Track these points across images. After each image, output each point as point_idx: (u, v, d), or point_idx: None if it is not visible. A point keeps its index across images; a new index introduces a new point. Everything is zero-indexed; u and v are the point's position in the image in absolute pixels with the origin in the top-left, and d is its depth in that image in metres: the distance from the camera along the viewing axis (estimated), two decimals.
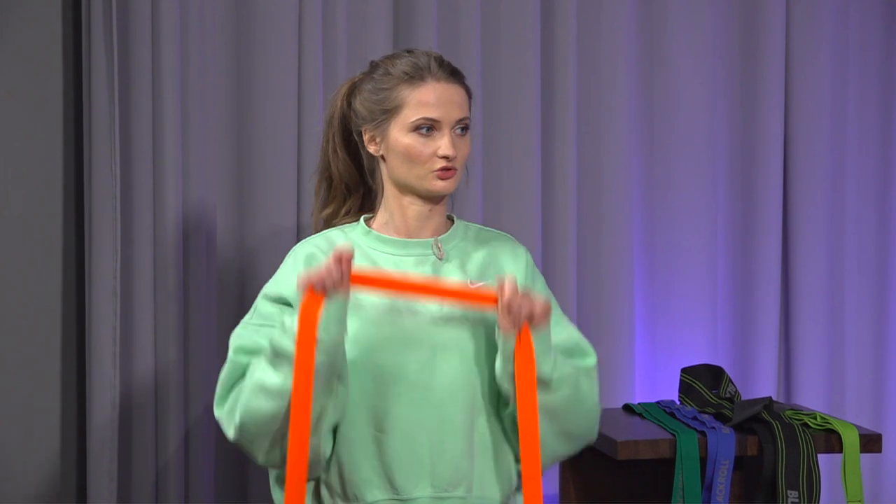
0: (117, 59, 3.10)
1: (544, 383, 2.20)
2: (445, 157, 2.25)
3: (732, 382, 3.26)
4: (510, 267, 2.34)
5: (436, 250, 2.31)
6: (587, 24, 3.51)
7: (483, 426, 2.25)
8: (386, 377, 2.22)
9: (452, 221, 2.38)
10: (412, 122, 2.25)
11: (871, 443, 3.00)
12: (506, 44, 3.43)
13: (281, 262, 3.28)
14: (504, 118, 3.44)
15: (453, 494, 2.23)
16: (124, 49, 3.13)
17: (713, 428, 2.97)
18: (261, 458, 2.21)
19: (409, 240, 2.31)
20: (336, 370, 2.15)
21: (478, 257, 2.33)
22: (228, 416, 2.22)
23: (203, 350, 3.23)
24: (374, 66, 2.34)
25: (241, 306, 3.30)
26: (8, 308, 3.18)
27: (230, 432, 2.21)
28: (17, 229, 3.19)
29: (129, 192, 3.15)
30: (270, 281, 2.32)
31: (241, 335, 2.27)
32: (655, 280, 3.60)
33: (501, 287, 2.18)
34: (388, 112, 2.27)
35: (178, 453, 3.18)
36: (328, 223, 2.40)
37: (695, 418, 3.06)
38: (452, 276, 2.29)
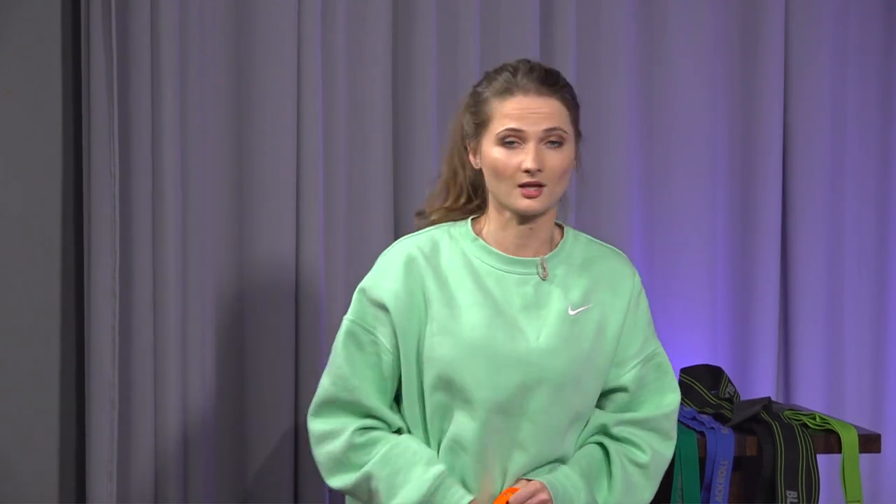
0: (116, 59, 3.10)
1: None
2: (527, 171, 2.21)
3: (731, 383, 3.26)
4: (615, 298, 2.32)
5: (540, 270, 2.29)
6: (586, 24, 3.51)
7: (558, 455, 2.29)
8: (473, 401, 2.22)
9: (562, 231, 2.35)
10: (498, 135, 2.23)
11: (869, 443, 3.00)
12: (505, 44, 3.43)
13: (277, 261, 3.30)
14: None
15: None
16: (123, 49, 3.13)
17: (712, 428, 2.97)
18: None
19: (515, 257, 2.28)
20: None
21: (582, 282, 2.30)
22: (334, 460, 2.27)
23: (202, 349, 3.23)
24: (482, 77, 2.34)
25: (241, 304, 3.30)
26: (7, 308, 3.18)
27: (331, 482, 2.27)
28: (16, 229, 3.18)
29: (128, 192, 3.15)
30: (370, 276, 2.31)
31: (343, 356, 2.29)
32: (654, 280, 3.60)
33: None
34: (481, 125, 2.26)
35: (177, 453, 3.18)
36: (448, 213, 2.37)
37: (694, 419, 3.06)
38: (554, 300, 2.27)
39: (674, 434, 2.35)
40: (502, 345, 2.23)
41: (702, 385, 3.25)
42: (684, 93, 3.58)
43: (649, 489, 2.33)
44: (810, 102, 3.64)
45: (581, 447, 2.31)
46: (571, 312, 2.27)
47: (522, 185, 2.22)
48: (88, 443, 3.13)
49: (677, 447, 2.89)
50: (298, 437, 3.30)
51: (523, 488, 2.22)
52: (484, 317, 2.24)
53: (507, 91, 2.24)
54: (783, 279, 3.67)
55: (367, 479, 2.24)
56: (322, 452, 2.28)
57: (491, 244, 2.29)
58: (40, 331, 3.20)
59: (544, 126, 2.22)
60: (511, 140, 2.22)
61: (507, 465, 2.24)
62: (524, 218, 2.27)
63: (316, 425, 2.29)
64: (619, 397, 2.34)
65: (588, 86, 3.51)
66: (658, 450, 2.33)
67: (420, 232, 2.34)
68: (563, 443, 2.27)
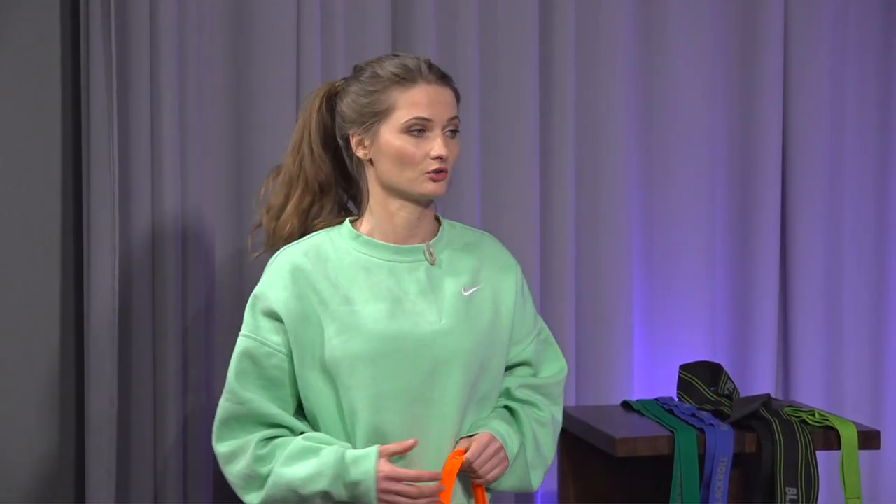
0: (115, 58, 3.10)
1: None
2: (439, 158, 2.24)
3: (731, 379, 3.27)
4: (502, 278, 2.36)
5: (427, 256, 2.31)
6: (585, 25, 3.51)
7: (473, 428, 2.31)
8: (388, 392, 2.23)
9: (439, 222, 2.38)
10: (404, 123, 2.24)
11: (869, 439, 3.00)
12: (504, 45, 3.43)
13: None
14: (502, 119, 3.44)
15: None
16: (122, 48, 3.13)
17: (712, 425, 2.97)
18: None
19: (402, 246, 2.30)
20: None
21: (468, 264, 2.34)
22: (249, 483, 2.26)
23: (201, 348, 3.23)
24: (358, 69, 2.33)
25: (240, 303, 3.29)
26: (7, 306, 3.18)
27: (246, 497, 2.26)
28: (16, 228, 3.19)
29: (127, 191, 3.15)
30: (259, 287, 2.32)
31: (234, 372, 2.29)
32: (654, 278, 3.60)
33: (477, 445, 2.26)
34: (379, 114, 2.26)
35: (176, 452, 3.19)
36: (305, 222, 2.38)
37: (693, 415, 3.06)
38: (446, 283, 2.30)
39: (561, 400, 2.44)
40: (408, 332, 2.25)
41: (701, 382, 3.25)
42: (683, 92, 3.58)
43: (551, 447, 2.40)
44: (810, 102, 3.64)
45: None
46: (465, 293, 2.30)
47: (433, 171, 2.25)
48: (87, 440, 3.13)
49: (677, 443, 2.90)
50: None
51: (475, 442, 2.25)
52: (383, 309, 2.25)
53: (409, 80, 2.25)
54: (782, 277, 3.68)
55: (277, 482, 2.23)
56: (232, 473, 2.27)
57: (376, 238, 2.31)
58: (40, 328, 3.20)
59: (448, 115, 2.27)
60: (419, 128, 2.24)
61: (434, 452, 2.26)
62: (418, 204, 2.30)
63: (220, 448, 2.28)
64: (522, 371, 2.41)
65: (587, 86, 3.52)
66: (553, 412, 2.41)
67: (301, 240, 2.35)
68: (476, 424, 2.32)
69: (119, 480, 3.14)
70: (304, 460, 2.22)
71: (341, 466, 2.19)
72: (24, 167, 3.18)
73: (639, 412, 3.18)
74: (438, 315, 2.27)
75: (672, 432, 2.95)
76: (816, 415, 3.05)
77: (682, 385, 3.27)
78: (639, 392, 3.54)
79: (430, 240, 2.33)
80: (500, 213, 3.43)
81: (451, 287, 2.30)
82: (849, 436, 2.97)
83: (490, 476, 2.27)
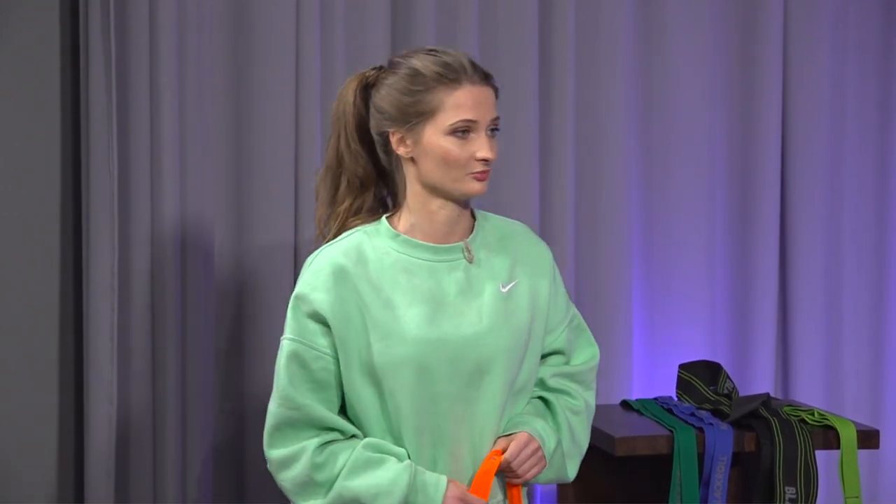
0: (115, 57, 3.10)
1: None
2: (484, 160, 2.24)
3: (730, 379, 3.27)
4: (537, 270, 2.35)
5: (466, 254, 2.30)
6: (585, 24, 3.51)
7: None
8: (432, 395, 2.23)
9: (473, 216, 2.37)
10: (450, 125, 2.22)
11: (868, 439, 3.00)
12: (503, 45, 3.43)
13: (276, 259, 3.30)
14: (502, 118, 3.43)
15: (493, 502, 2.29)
16: (122, 47, 3.13)
17: (711, 424, 2.97)
18: None
19: (441, 245, 2.28)
20: None
21: (504, 260, 2.32)
22: (300, 484, 2.24)
23: (201, 347, 3.23)
24: (395, 63, 2.29)
25: (239, 302, 3.30)
26: (6, 305, 3.18)
27: (302, 502, 2.24)
28: (15, 228, 3.19)
29: (126, 190, 3.15)
30: (300, 287, 2.27)
31: (285, 377, 2.26)
32: (653, 277, 3.60)
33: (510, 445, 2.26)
34: (423, 115, 2.23)
35: (175, 452, 3.18)
36: (345, 219, 2.34)
37: (692, 414, 3.06)
38: (485, 281, 2.29)
39: (595, 385, 2.43)
40: (450, 336, 2.24)
41: (700, 381, 3.25)
42: (683, 92, 3.58)
43: (586, 435, 2.40)
44: (809, 101, 3.64)
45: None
46: (503, 290, 2.29)
47: (478, 172, 2.25)
48: (87, 440, 3.13)
49: (676, 443, 2.90)
50: None
51: (514, 443, 2.25)
52: (425, 312, 2.24)
53: (455, 81, 2.23)
54: (782, 276, 3.68)
55: (342, 493, 2.21)
56: (286, 479, 2.25)
57: (416, 237, 2.29)
58: (39, 328, 3.20)
59: (492, 115, 2.26)
60: (464, 130, 2.23)
61: (476, 450, 2.26)
62: (458, 203, 2.29)
63: (274, 453, 2.26)
64: (555, 360, 2.40)
65: (587, 86, 3.52)
66: (586, 398, 2.40)
67: (339, 239, 2.31)
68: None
69: (118, 480, 3.14)
70: (369, 472, 2.21)
71: (412, 487, 2.20)
72: (24, 167, 3.18)
73: (638, 411, 3.18)
74: (479, 316, 2.26)
75: (671, 431, 2.95)
76: (816, 414, 3.05)
77: (682, 384, 3.27)
78: (638, 391, 3.54)
79: (467, 236, 2.32)
80: (500, 211, 3.42)
81: (489, 285, 2.29)
82: (848, 435, 2.97)
83: (528, 475, 2.27)
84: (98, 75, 3.10)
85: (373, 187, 2.35)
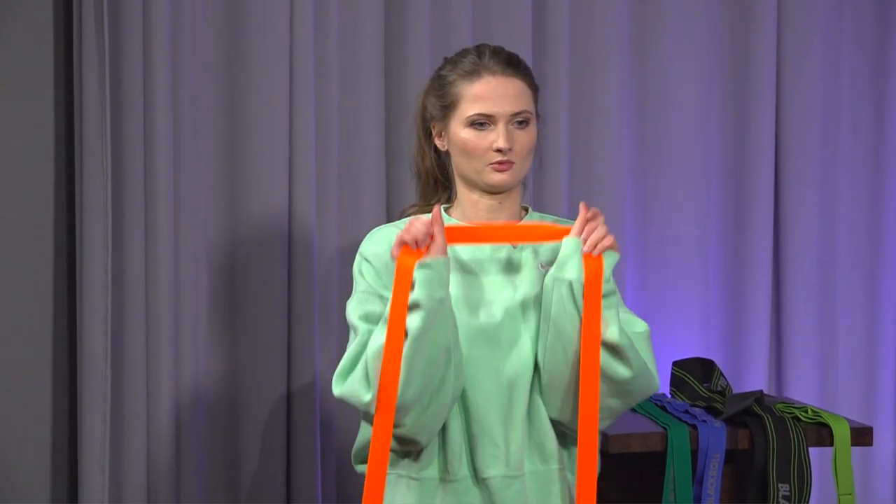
0: (108, 53, 3.10)
1: (611, 347, 2.22)
2: (499, 151, 2.26)
3: (724, 376, 3.27)
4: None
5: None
6: (579, 22, 3.51)
7: (538, 403, 2.29)
8: (464, 367, 2.24)
9: (527, 212, 2.39)
10: (468, 117, 2.27)
11: (861, 436, 3.00)
12: (497, 39, 3.42)
13: (273, 258, 3.29)
14: (536, 114, 3.44)
15: (523, 471, 2.27)
16: (115, 47, 3.13)
17: (704, 421, 2.97)
18: (409, 423, 2.20)
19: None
20: (446, 334, 2.17)
21: (551, 246, 2.33)
22: (362, 383, 2.18)
23: (195, 344, 3.23)
24: (444, 62, 2.36)
25: (233, 299, 3.30)
26: (0, 302, 3.18)
27: (366, 397, 2.18)
28: (9, 225, 3.18)
29: (120, 188, 3.15)
30: (364, 251, 2.31)
31: (356, 308, 2.26)
32: (647, 273, 3.60)
33: (584, 207, 2.23)
34: (449, 107, 2.29)
35: (169, 447, 3.18)
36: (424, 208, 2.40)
37: (686, 412, 3.06)
38: (525, 260, 2.31)
39: (649, 355, 2.38)
40: (485, 323, 2.26)
41: (694, 378, 3.25)
42: (677, 89, 3.58)
43: (641, 323, 2.36)
44: (803, 98, 3.64)
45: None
46: (541, 268, 2.31)
47: (495, 163, 2.27)
48: (81, 437, 3.13)
49: (670, 440, 2.90)
50: (291, 430, 3.30)
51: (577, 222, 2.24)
52: (463, 296, 2.27)
53: (474, 72, 2.28)
54: (776, 273, 3.68)
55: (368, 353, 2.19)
56: (346, 388, 2.21)
57: (465, 224, 2.32)
58: (33, 326, 3.20)
59: (512, 109, 2.28)
60: (481, 122, 2.27)
61: (504, 422, 2.26)
62: (493, 193, 2.32)
63: (337, 390, 2.23)
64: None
65: (581, 83, 3.52)
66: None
67: (395, 223, 2.37)
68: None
69: (112, 476, 3.14)
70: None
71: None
72: (17, 166, 3.18)
73: (632, 408, 3.18)
74: (514, 289, 2.29)
75: (665, 429, 2.95)
76: (809, 411, 3.05)
77: (675, 381, 3.28)
78: None
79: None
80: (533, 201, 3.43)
81: (529, 262, 2.31)
82: (841, 432, 2.97)
83: (606, 240, 2.22)
84: (91, 74, 3.10)
85: (439, 181, 2.41)
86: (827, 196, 3.69)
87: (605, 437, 2.92)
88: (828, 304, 3.69)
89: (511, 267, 2.31)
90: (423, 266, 2.16)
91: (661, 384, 3.50)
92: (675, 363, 3.30)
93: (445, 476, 2.26)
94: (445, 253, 2.18)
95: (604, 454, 3.03)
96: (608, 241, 2.23)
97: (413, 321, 2.15)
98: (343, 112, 3.34)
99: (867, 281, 3.74)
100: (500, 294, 2.29)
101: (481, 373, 2.25)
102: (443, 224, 2.19)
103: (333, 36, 3.31)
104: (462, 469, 2.26)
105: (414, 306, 2.15)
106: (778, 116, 3.65)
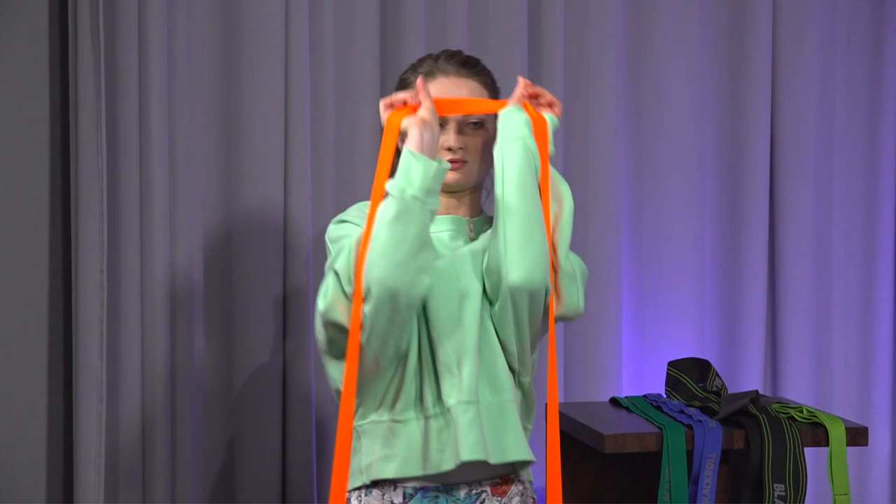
0: (104, 52, 3.09)
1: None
2: (449, 150, 2.29)
3: (719, 376, 3.27)
4: None
5: (468, 230, 2.37)
6: (574, 20, 3.51)
7: (490, 331, 2.30)
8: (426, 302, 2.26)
9: (481, 214, 2.43)
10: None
11: (857, 436, 3.00)
12: (492, 43, 3.43)
13: (269, 257, 3.29)
14: (492, 116, 3.44)
15: (478, 398, 2.26)
16: (111, 43, 3.13)
17: (700, 421, 2.97)
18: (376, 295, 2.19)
19: (443, 215, 2.36)
20: (419, 230, 2.16)
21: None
22: (346, 274, 2.20)
23: (191, 343, 3.23)
24: (408, 66, 2.41)
25: (229, 299, 3.30)
26: None
27: (349, 287, 2.20)
28: (4, 225, 3.18)
29: (115, 187, 3.14)
30: (337, 218, 2.33)
31: (334, 248, 2.28)
32: (643, 274, 3.60)
33: (523, 81, 2.28)
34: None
35: (165, 450, 3.18)
36: None
37: (681, 412, 3.06)
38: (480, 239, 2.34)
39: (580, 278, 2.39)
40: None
41: (689, 378, 3.25)
42: (672, 86, 3.58)
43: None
44: (798, 95, 3.64)
45: None
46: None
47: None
48: (76, 437, 3.13)
49: (665, 440, 2.90)
50: (287, 434, 3.30)
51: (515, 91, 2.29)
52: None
53: (429, 74, 2.33)
54: (771, 273, 3.68)
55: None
56: (331, 289, 2.23)
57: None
58: (28, 326, 3.20)
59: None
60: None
61: (458, 351, 2.27)
62: (451, 192, 2.36)
63: (323, 300, 2.24)
64: None
65: (576, 84, 3.52)
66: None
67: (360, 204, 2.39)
68: None
69: (108, 477, 3.14)
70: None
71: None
72: (12, 165, 3.18)
73: (627, 409, 3.18)
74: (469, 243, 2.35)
75: (660, 429, 2.95)
76: (805, 411, 3.05)
77: (671, 381, 3.28)
78: (627, 388, 3.54)
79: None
80: (486, 207, 3.42)
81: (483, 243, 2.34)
82: (837, 432, 2.97)
83: (554, 98, 2.28)
84: (87, 71, 3.10)
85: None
86: (822, 196, 3.69)
87: (600, 438, 2.92)
88: (823, 303, 3.69)
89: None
90: (413, 156, 2.17)
91: (651, 385, 3.52)
92: (671, 363, 3.30)
93: (425, 412, 2.26)
94: (435, 114, 2.21)
95: (599, 454, 3.04)
96: (552, 98, 2.29)
97: (387, 204, 2.17)
98: (338, 104, 3.34)
99: (862, 280, 3.75)
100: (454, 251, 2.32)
101: (436, 301, 2.26)
102: (428, 92, 2.22)
103: (329, 28, 3.31)
104: (437, 403, 2.26)
105: (387, 194, 2.18)
106: (773, 115, 3.65)
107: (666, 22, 3.57)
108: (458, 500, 2.30)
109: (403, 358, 2.27)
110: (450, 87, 2.32)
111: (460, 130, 2.32)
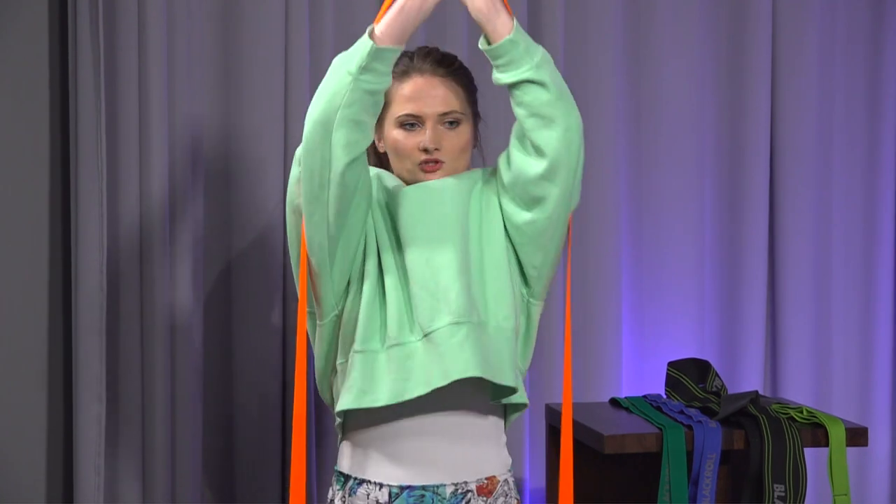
0: (103, 52, 3.09)
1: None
2: (425, 150, 2.28)
3: (719, 376, 3.27)
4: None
5: None
6: (574, 24, 3.51)
7: (479, 257, 2.28)
8: (398, 230, 2.26)
9: None
10: (397, 118, 2.30)
11: (857, 436, 3.00)
12: None
13: (269, 257, 3.29)
14: (490, 117, 3.42)
15: (469, 320, 2.22)
16: (111, 43, 3.12)
17: (700, 422, 2.97)
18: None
19: None
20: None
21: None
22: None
23: (189, 345, 3.22)
24: None
25: (228, 299, 3.30)
26: None
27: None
28: (4, 226, 3.18)
29: (115, 189, 3.14)
30: None
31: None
32: (642, 274, 3.60)
33: None
34: (385, 108, 2.30)
35: (164, 450, 3.18)
36: None
37: (681, 412, 3.06)
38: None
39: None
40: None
41: (689, 379, 3.25)
42: (672, 86, 3.58)
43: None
44: (798, 95, 3.64)
45: None
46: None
47: (422, 163, 2.29)
48: (76, 438, 3.13)
49: (665, 440, 2.90)
50: (286, 434, 3.30)
51: None
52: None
53: (404, 74, 2.30)
54: (770, 273, 3.68)
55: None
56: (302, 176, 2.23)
57: None
58: (28, 327, 3.19)
59: (440, 109, 2.29)
60: (410, 122, 2.29)
61: (440, 275, 2.26)
62: None
63: (297, 167, 2.26)
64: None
65: (576, 84, 3.51)
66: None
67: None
68: None
69: (107, 478, 3.14)
70: None
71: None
72: (12, 165, 3.18)
73: (627, 409, 3.18)
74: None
75: (660, 429, 2.95)
76: (804, 412, 3.05)
77: (671, 382, 3.27)
78: (627, 389, 3.54)
79: None
80: None
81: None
82: (837, 433, 2.97)
83: None
84: (86, 71, 3.09)
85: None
86: (822, 196, 3.69)
87: (600, 438, 2.92)
88: (823, 304, 3.69)
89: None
90: (369, 30, 2.14)
91: (651, 385, 3.52)
92: (671, 364, 3.29)
93: (388, 342, 2.23)
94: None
95: (599, 455, 3.03)
96: None
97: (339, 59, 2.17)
98: None
99: (862, 281, 3.74)
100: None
101: (412, 222, 2.25)
102: None
103: (329, 28, 3.31)
104: (404, 331, 2.23)
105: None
106: (773, 115, 3.65)
107: (666, 22, 3.57)
108: (444, 499, 2.29)
109: (353, 279, 2.24)
110: (424, 87, 2.30)
111: (435, 130, 2.29)
